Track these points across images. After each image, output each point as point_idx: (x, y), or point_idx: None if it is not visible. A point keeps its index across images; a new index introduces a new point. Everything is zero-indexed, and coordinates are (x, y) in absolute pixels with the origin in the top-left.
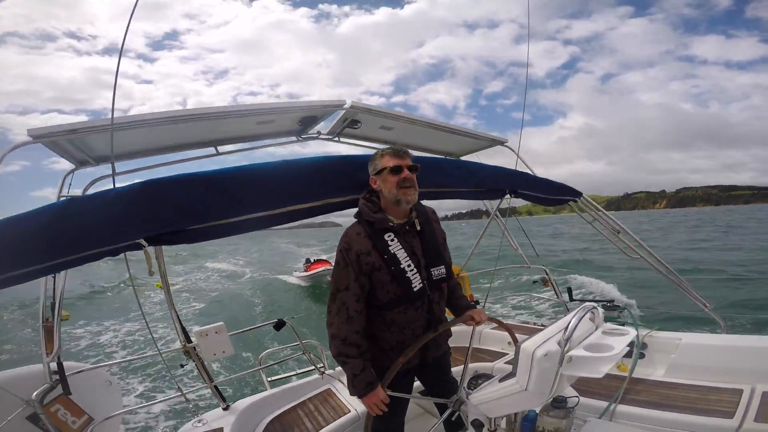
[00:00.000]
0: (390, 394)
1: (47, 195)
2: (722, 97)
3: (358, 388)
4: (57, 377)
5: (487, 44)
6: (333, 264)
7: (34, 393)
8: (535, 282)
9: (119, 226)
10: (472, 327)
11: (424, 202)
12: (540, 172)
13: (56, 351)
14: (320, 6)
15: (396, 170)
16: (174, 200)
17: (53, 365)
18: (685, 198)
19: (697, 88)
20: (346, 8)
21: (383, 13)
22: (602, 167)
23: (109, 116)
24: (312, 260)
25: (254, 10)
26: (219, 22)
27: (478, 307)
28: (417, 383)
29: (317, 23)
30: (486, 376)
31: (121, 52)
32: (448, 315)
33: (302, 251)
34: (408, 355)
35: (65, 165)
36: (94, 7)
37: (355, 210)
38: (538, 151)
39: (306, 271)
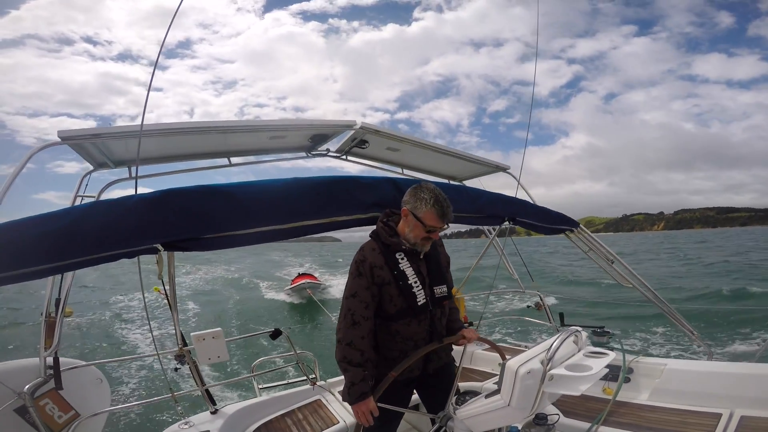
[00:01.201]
0: (380, 405)
1: (50, 198)
2: (723, 117)
3: (352, 396)
4: (51, 372)
5: (491, 63)
6: (317, 278)
7: (27, 386)
8: (529, 307)
9: (139, 231)
10: (463, 347)
11: None
12: (541, 191)
13: (55, 346)
14: (330, 21)
15: (431, 231)
16: (192, 209)
17: (50, 360)
18: (683, 220)
19: (698, 107)
20: (356, 23)
21: (391, 29)
22: (603, 188)
23: (130, 123)
24: (299, 273)
25: (266, 22)
26: (231, 33)
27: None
28: (414, 395)
29: (326, 37)
30: (473, 393)
31: (155, 64)
32: None
33: (289, 260)
34: (399, 370)
35: (69, 169)
36: (112, 13)
37: (359, 228)
38: (540, 170)
39: (291, 284)
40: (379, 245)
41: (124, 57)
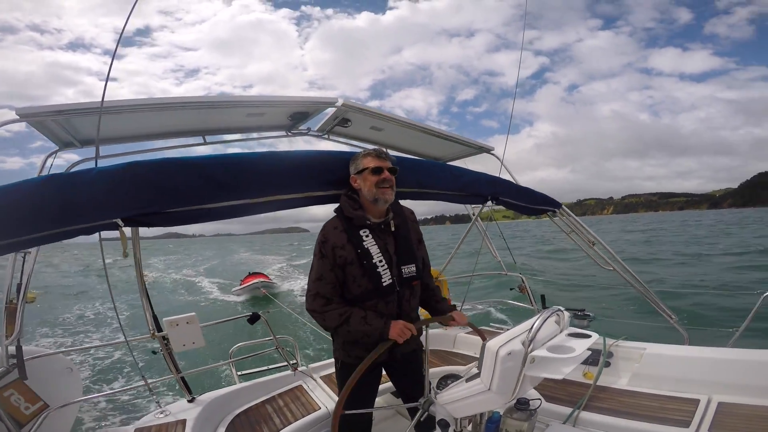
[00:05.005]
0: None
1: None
2: (674, 108)
3: (377, 327)
4: (14, 361)
5: (463, 52)
6: (268, 277)
7: None
8: (511, 289)
9: (98, 204)
10: (444, 329)
11: (408, 203)
12: (507, 178)
13: (16, 334)
14: (302, 8)
15: (376, 171)
16: (156, 182)
17: (12, 348)
18: (629, 204)
19: (651, 98)
20: (329, 11)
21: (365, 18)
22: (565, 174)
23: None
24: (250, 273)
25: (233, 8)
26: (195, 20)
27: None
28: (388, 384)
29: (298, 25)
30: (455, 377)
31: (120, 36)
32: (423, 315)
33: (267, 259)
34: (379, 352)
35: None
36: (63, 0)
37: (333, 206)
38: (507, 158)
39: (240, 285)
40: (342, 222)
41: (76, 46)
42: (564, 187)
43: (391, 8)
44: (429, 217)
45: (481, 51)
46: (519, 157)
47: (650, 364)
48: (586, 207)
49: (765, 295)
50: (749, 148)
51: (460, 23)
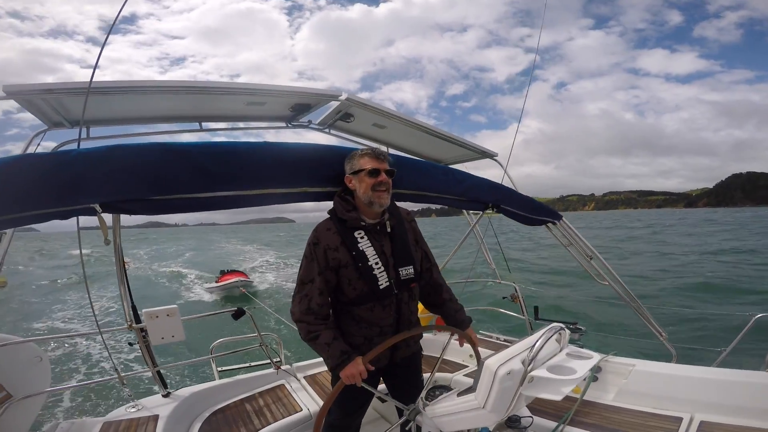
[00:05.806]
0: (346, 393)
1: None
2: (658, 108)
3: (333, 357)
4: None
5: (454, 47)
6: (247, 276)
7: None
8: (504, 298)
9: (75, 188)
10: (434, 335)
11: (408, 205)
12: (497, 173)
13: None
14: None
15: (374, 173)
16: (140, 168)
17: None
18: (610, 201)
19: (637, 98)
20: (322, 1)
21: (358, 9)
22: (551, 171)
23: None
24: (226, 270)
25: None
26: (183, 8)
27: None
28: (380, 386)
29: (289, 15)
30: (444, 388)
31: (117, 17)
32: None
33: (247, 248)
34: (392, 342)
35: None
36: None
37: (329, 203)
38: (499, 156)
39: (216, 282)
40: (335, 224)
41: (57, 33)
42: (548, 182)
43: (384, 0)
44: (415, 209)
45: (472, 46)
46: (506, 152)
47: (638, 381)
48: (568, 203)
49: (757, 317)
50: (729, 149)
51: (453, 18)
